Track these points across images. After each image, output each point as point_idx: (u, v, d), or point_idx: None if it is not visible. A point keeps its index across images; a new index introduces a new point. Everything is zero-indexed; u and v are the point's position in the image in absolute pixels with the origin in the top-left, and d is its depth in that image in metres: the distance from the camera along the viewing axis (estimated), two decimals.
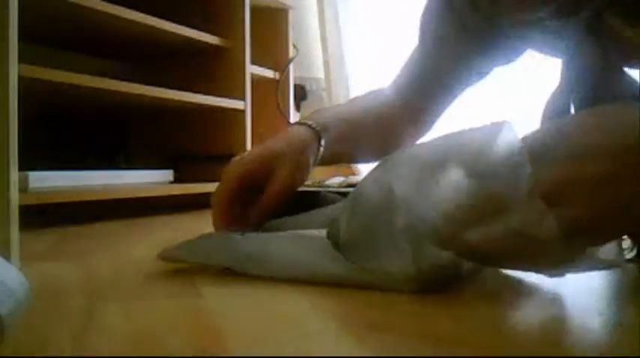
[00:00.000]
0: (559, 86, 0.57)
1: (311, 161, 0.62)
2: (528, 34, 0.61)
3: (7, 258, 0.29)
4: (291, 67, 1.63)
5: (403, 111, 0.75)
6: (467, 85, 0.73)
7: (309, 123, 0.65)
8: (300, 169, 0.60)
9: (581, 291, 0.43)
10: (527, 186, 0.35)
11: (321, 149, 0.64)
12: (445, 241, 0.39)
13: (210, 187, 0.61)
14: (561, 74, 0.57)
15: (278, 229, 0.55)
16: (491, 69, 0.71)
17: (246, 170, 0.58)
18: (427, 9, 0.71)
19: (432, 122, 0.78)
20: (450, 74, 0.71)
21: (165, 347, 0.31)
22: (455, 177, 0.38)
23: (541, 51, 0.64)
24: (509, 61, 0.69)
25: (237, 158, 0.60)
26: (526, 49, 0.67)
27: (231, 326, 0.34)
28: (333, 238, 0.46)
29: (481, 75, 0.71)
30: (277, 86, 1.58)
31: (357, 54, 2.02)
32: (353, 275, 0.43)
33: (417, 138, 0.78)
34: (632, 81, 0.56)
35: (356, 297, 0.41)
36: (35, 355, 0.30)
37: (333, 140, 0.65)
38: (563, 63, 0.58)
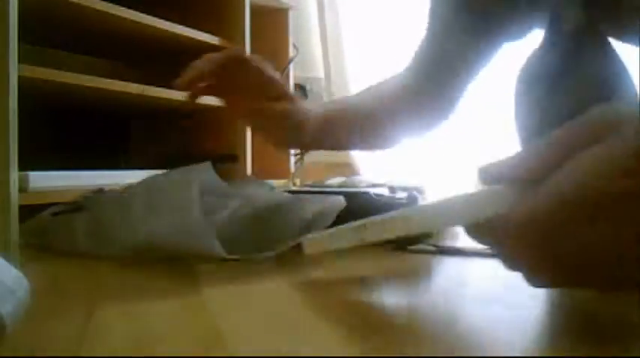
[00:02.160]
0: (537, 48, 0.56)
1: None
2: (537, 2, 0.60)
3: (7, 258, 0.29)
4: (291, 67, 1.63)
5: (412, 100, 0.73)
6: (475, 69, 0.71)
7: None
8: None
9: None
10: None
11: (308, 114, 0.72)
12: None
13: None
14: (543, 38, 0.56)
15: None
16: (499, 47, 0.69)
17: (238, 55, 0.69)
18: None
19: (443, 114, 0.76)
20: (459, 54, 0.70)
21: (165, 347, 0.30)
22: None
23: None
24: (517, 37, 0.67)
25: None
26: (534, 27, 0.65)
27: (231, 326, 0.34)
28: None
29: (489, 56, 0.70)
30: None
31: (357, 54, 2.02)
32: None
33: (428, 130, 0.77)
34: (613, 57, 0.54)
35: (358, 296, 0.41)
36: (35, 355, 0.30)
37: (319, 115, 0.72)
38: (547, 26, 0.56)
